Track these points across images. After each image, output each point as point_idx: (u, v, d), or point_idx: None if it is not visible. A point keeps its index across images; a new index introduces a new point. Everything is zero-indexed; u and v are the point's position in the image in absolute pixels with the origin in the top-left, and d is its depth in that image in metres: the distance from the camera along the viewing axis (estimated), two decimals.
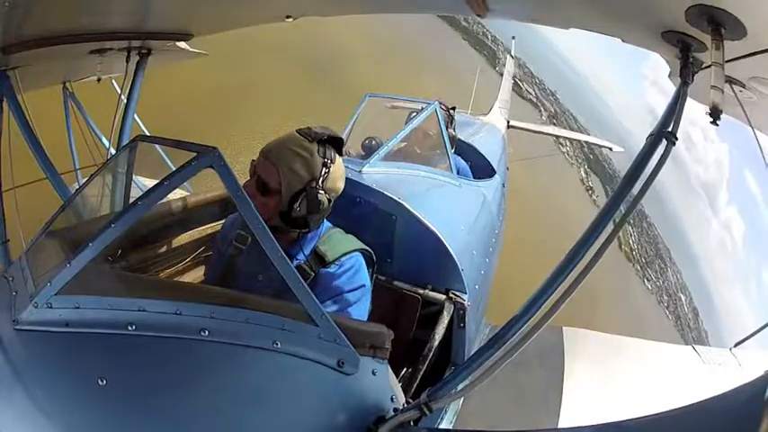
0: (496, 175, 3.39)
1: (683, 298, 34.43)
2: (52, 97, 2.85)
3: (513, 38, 11.96)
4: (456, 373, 1.10)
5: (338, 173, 1.38)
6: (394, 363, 1.11)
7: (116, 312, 0.93)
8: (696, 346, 2.27)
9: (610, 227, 1.09)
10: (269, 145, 1.36)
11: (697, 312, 37.36)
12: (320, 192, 1.31)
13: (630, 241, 30.95)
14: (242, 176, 1.15)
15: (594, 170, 34.12)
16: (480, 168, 3.42)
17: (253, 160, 1.36)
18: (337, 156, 1.38)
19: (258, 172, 1.33)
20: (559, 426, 1.75)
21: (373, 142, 2.72)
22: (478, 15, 1.63)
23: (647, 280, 28.76)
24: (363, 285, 1.35)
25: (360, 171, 1.93)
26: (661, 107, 1.19)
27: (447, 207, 2.18)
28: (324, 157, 1.32)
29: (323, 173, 1.32)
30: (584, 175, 31.35)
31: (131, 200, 1.06)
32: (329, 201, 1.35)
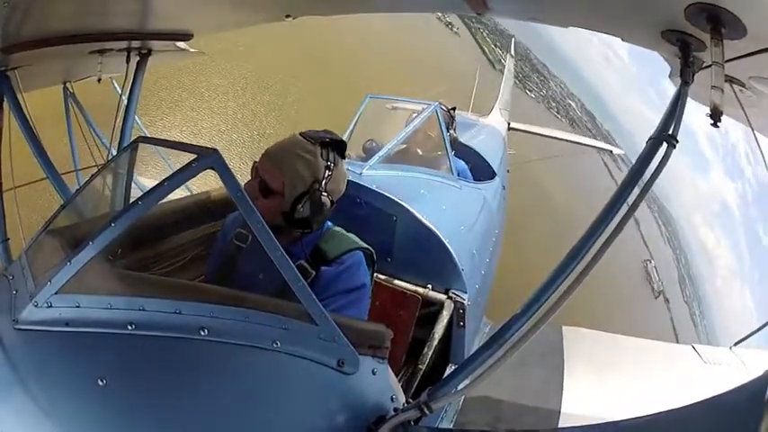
0: (497, 178, 3.39)
1: (572, 104, 34.81)
2: (52, 97, 2.85)
3: (513, 37, 11.98)
4: (456, 372, 1.10)
5: (341, 175, 1.40)
6: (394, 362, 1.11)
7: (116, 311, 0.93)
8: (696, 346, 2.27)
9: (610, 228, 1.08)
10: (271, 147, 1.37)
11: (593, 115, 38.19)
12: (323, 194, 1.32)
13: (501, 59, 30.55)
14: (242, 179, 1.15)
15: None
16: (480, 170, 3.42)
17: (255, 162, 1.37)
18: (339, 158, 1.39)
19: (261, 174, 1.33)
20: (559, 426, 1.75)
21: (374, 144, 2.72)
22: (477, 14, 1.63)
23: (530, 91, 29.10)
24: (363, 284, 1.36)
25: (360, 173, 1.94)
26: None
27: (447, 208, 2.19)
28: (327, 160, 1.34)
29: (326, 175, 1.33)
30: (440, 15, 31.04)
31: (132, 200, 1.06)
32: (332, 202, 1.36)
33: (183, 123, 8.50)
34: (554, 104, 32.58)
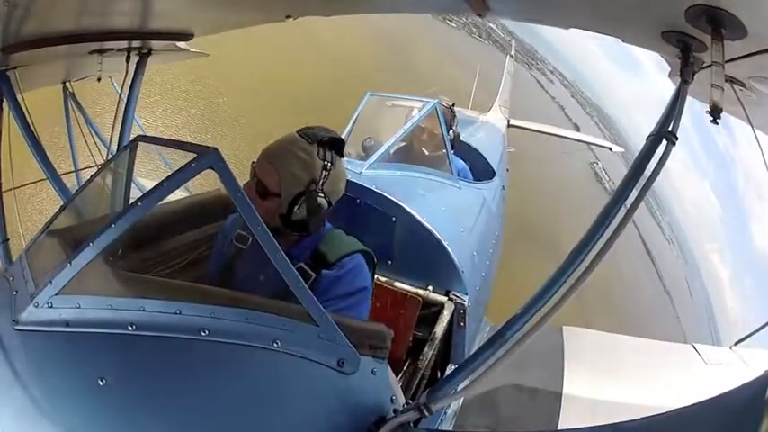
0: (496, 177, 3.40)
1: (493, 26, 34.39)
2: (52, 98, 2.85)
3: (513, 38, 11.98)
4: (455, 372, 1.10)
5: (339, 175, 1.38)
6: (394, 362, 1.11)
7: (116, 312, 0.93)
8: (696, 345, 2.27)
9: (611, 228, 1.08)
10: (269, 146, 1.35)
11: (515, 35, 37.43)
12: (320, 195, 1.31)
13: None
14: (241, 178, 1.15)
15: None
16: (480, 169, 3.42)
17: (253, 162, 1.36)
18: (338, 158, 1.37)
19: (258, 174, 1.32)
20: (559, 426, 1.75)
21: (373, 142, 2.72)
22: (478, 15, 1.63)
23: (450, 21, 28.53)
24: (364, 287, 1.35)
25: (360, 173, 1.94)
26: None
27: (447, 209, 2.19)
28: (324, 160, 1.32)
29: (323, 175, 1.31)
30: None
31: (132, 200, 1.06)
32: (329, 203, 1.34)
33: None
34: (475, 30, 32.14)
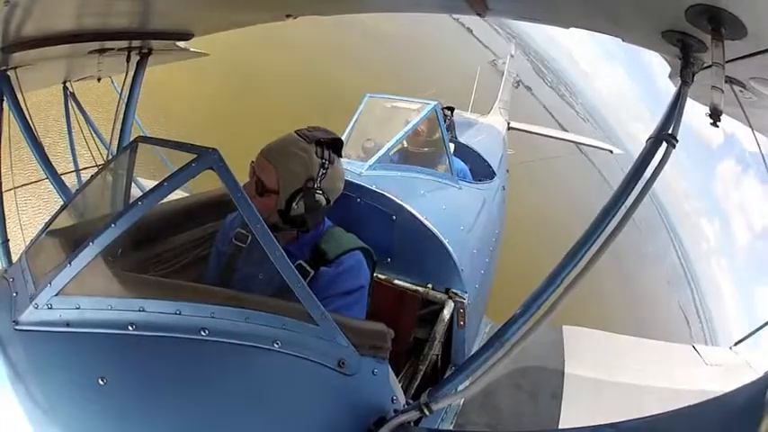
0: (496, 178, 3.40)
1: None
2: (52, 98, 2.85)
3: (514, 38, 11.95)
4: (456, 372, 1.10)
5: (337, 174, 1.40)
6: (394, 362, 1.11)
7: (116, 312, 0.93)
8: (696, 346, 2.28)
9: (610, 228, 1.08)
10: (268, 145, 1.37)
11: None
12: (318, 192, 1.33)
13: None
14: (242, 178, 1.15)
15: None
16: (480, 170, 3.43)
17: (252, 161, 1.37)
18: (336, 157, 1.39)
19: (257, 173, 1.34)
20: (559, 426, 1.76)
21: (373, 144, 2.72)
22: (478, 15, 1.63)
23: None
24: (362, 286, 1.36)
25: (360, 173, 1.94)
26: None
27: (446, 209, 2.19)
28: (321, 158, 1.34)
29: (320, 173, 1.34)
30: None
31: (132, 200, 1.06)
32: (328, 201, 1.36)
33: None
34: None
